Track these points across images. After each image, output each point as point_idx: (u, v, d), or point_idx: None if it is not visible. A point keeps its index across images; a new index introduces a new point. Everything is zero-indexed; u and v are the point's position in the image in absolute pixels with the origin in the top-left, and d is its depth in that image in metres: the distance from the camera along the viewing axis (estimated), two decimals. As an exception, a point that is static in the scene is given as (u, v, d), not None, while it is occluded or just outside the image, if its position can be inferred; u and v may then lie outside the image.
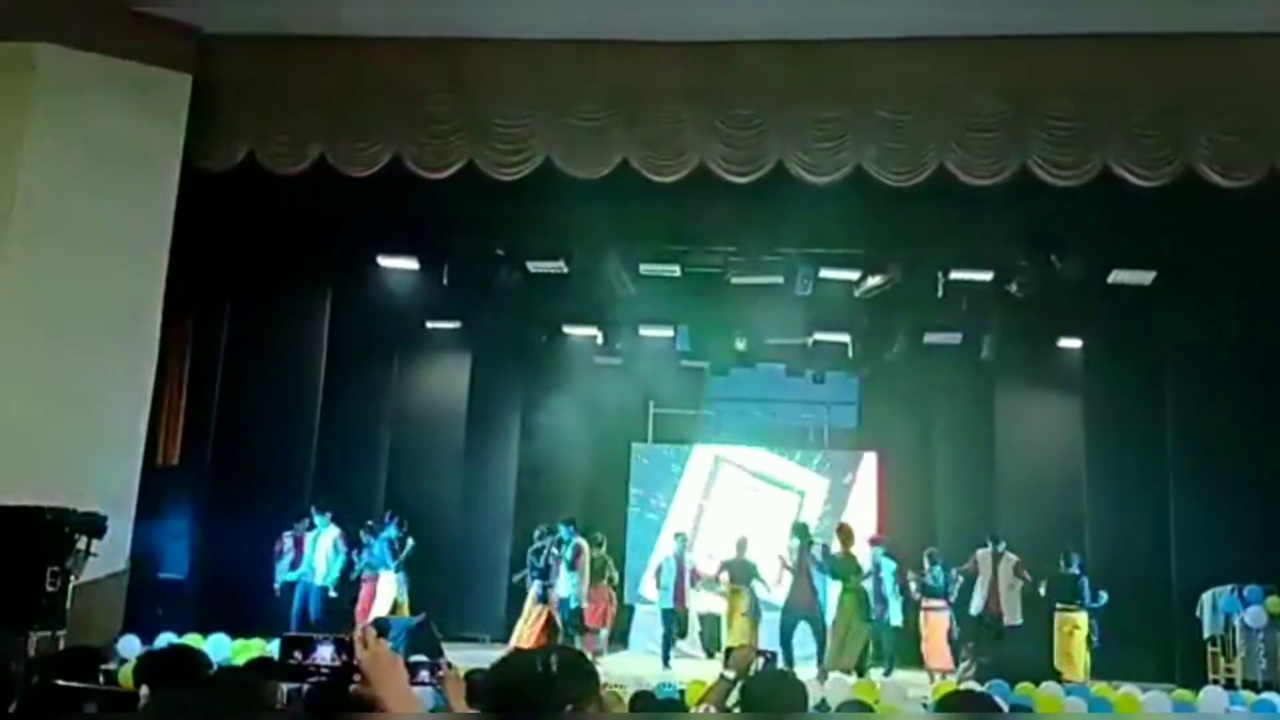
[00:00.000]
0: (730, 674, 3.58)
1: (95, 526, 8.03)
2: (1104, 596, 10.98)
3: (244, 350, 11.27)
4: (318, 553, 10.85)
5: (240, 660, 6.55)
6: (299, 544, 10.94)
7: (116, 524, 8.37)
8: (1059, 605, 10.94)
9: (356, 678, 2.06)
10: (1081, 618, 10.91)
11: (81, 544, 7.99)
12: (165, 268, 9.22)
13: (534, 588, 11.10)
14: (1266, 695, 8.50)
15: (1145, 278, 11.16)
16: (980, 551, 10.89)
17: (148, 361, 9.20)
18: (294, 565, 10.85)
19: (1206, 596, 10.61)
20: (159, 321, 9.23)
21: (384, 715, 1.98)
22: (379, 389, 13.22)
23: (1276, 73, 8.73)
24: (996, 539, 10.93)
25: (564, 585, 10.87)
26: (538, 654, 2.37)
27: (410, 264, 12.28)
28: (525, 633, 10.81)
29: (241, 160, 9.51)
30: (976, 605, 10.74)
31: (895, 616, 11.18)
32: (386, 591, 11.01)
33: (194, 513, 10.64)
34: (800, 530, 11.01)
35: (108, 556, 8.40)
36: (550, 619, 10.90)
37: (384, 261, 12.28)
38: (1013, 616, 10.65)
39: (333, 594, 10.86)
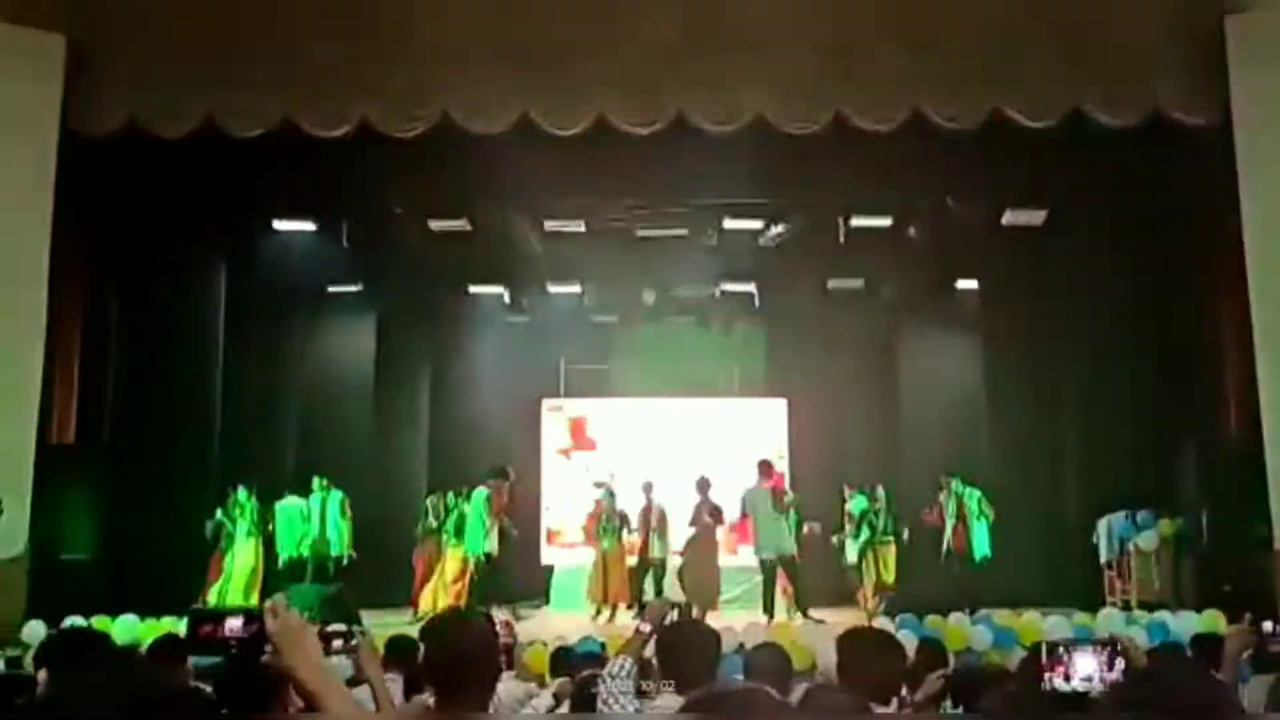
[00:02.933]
0: (646, 627, 3.62)
1: (-11, 511, 7.77)
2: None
3: (138, 322, 10.89)
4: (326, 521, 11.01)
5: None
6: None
7: (13, 506, 8.10)
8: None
9: (268, 648, 2.04)
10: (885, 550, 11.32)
11: (-24, 529, 7.73)
12: (49, 239, 8.87)
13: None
14: (1159, 614, 8.92)
15: (1037, 218, 11.44)
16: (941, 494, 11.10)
17: (36, 337, 8.87)
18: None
19: (1102, 523, 11.05)
20: (45, 296, 8.89)
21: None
22: (282, 356, 12.93)
23: (1155, 11, 8.98)
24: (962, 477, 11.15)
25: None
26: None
27: (308, 226, 12.00)
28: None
29: (124, 123, 9.15)
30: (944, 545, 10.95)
31: (851, 554, 11.51)
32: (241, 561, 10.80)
33: (95, 491, 10.33)
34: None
35: (6, 540, 8.14)
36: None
37: (280, 225, 11.97)
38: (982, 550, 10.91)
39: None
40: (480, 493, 10.93)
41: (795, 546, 10.66)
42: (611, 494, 11.85)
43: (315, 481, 11.22)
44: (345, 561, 11.12)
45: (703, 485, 11.15)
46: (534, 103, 9.25)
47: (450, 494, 11.66)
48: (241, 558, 10.56)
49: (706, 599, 10.04)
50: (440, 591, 10.96)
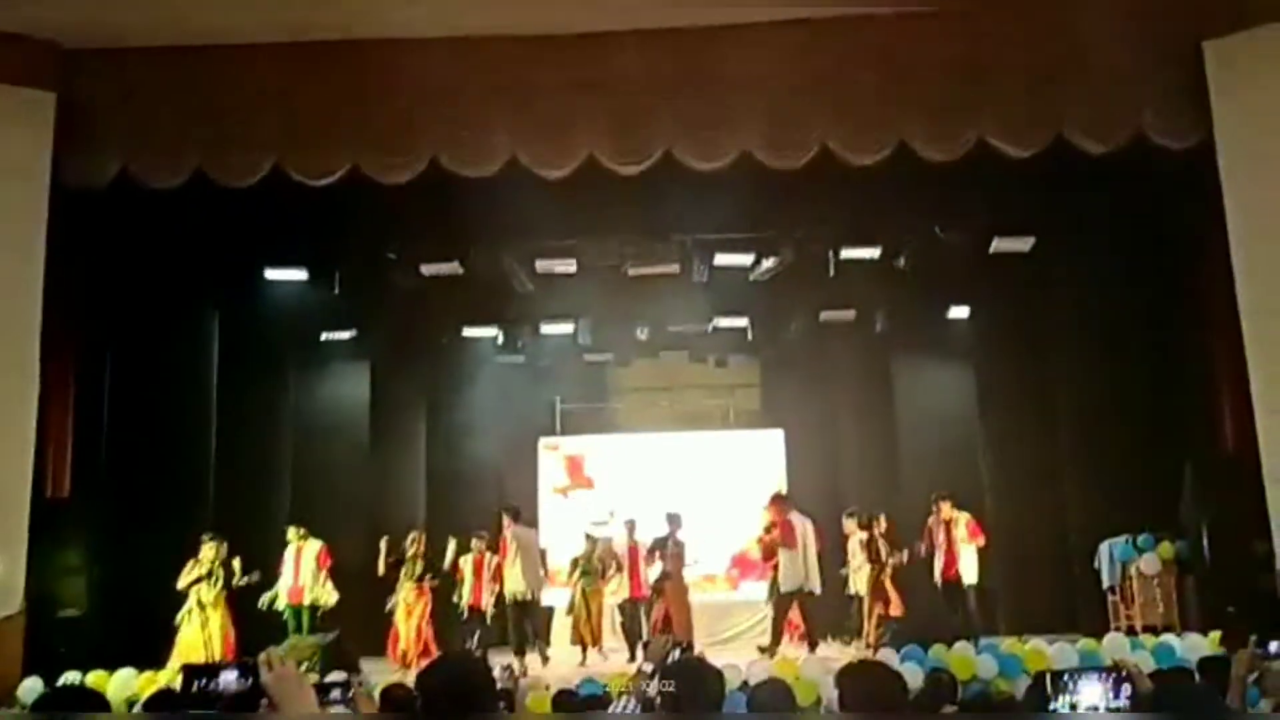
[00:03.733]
0: (648, 666, 3.59)
1: (-15, 568, 7.71)
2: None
3: (131, 374, 10.88)
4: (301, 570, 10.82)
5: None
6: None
7: (9, 564, 8.05)
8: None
9: (264, 701, 2.02)
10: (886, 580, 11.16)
11: (-29, 588, 7.67)
12: (41, 291, 8.88)
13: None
14: (1165, 638, 8.87)
15: (1025, 244, 11.49)
16: (931, 519, 10.92)
17: (30, 390, 8.84)
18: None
19: (1104, 547, 10.99)
20: (38, 349, 8.89)
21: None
22: (276, 405, 12.88)
23: (1134, 38, 9.08)
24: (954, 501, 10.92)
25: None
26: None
27: (300, 275, 12.01)
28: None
29: (115, 177, 9.20)
30: (935, 572, 10.73)
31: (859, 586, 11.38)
32: None
33: (90, 546, 10.23)
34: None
35: (1, 597, 8.07)
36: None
37: (272, 274, 11.98)
38: (970, 576, 10.66)
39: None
40: (531, 533, 11.28)
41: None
42: (592, 535, 11.85)
43: (291, 531, 11.02)
44: (319, 612, 10.83)
45: (673, 521, 11.11)
46: (522, 145, 9.32)
47: (412, 535, 11.45)
48: (210, 610, 10.33)
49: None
50: (408, 630, 10.85)
